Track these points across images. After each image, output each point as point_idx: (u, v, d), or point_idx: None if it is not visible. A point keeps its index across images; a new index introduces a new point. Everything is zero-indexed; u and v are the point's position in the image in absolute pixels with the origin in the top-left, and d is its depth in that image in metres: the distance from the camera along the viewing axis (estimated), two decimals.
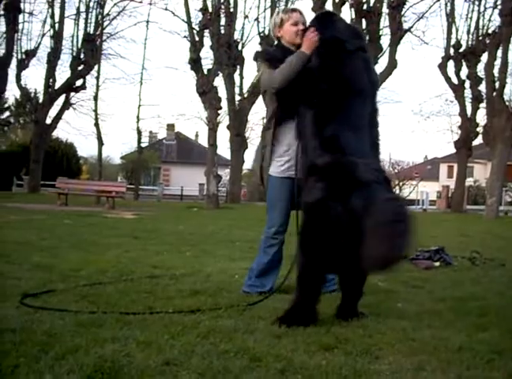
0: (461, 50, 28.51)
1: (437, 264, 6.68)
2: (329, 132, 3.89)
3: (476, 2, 28.35)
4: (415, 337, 3.45)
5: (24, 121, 49.74)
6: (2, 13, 25.05)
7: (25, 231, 9.22)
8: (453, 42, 28.73)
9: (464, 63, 28.36)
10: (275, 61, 4.40)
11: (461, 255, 7.42)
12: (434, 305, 4.39)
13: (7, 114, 51.37)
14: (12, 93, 64.84)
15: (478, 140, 30.08)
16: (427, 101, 75.85)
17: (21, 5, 26.77)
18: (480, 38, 27.90)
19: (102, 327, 3.42)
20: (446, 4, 28.74)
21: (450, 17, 28.72)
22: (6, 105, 49.48)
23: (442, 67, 28.67)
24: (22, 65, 30.23)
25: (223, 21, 25.99)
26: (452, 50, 28.65)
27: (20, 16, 27.41)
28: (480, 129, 28.42)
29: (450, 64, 28.74)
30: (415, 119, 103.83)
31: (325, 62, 4.09)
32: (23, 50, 30.06)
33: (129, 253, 7.00)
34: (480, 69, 27.29)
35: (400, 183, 64.04)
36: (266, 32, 27.83)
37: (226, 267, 5.18)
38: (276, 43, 4.82)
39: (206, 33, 25.53)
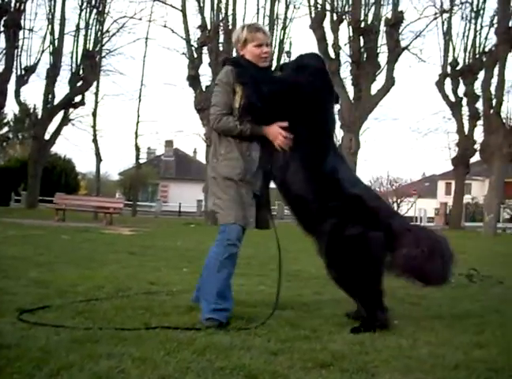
0: (458, 67, 28.66)
1: None
2: (329, 165, 4.31)
3: (473, 21, 28.57)
4: (411, 355, 3.44)
5: (22, 136, 49.85)
6: (2, 29, 25.13)
7: (22, 247, 9.20)
8: (450, 60, 28.90)
9: (461, 81, 28.50)
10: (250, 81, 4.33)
11: (459, 272, 7.38)
12: (430, 323, 4.38)
13: (6, 129, 51.49)
14: (11, 108, 65.01)
15: (475, 158, 30.11)
16: (424, 118, 76.28)
17: (21, 21, 26.86)
18: (477, 56, 28.07)
19: (97, 343, 3.40)
20: (442, 22, 29.01)
21: (447, 36, 28.91)
22: (5, 120, 49.67)
23: (440, 85, 28.80)
24: (21, 81, 30.30)
25: (221, 38, 26.13)
26: (449, 68, 28.80)
27: (20, 33, 27.52)
28: (477, 147, 28.46)
29: (447, 82, 28.88)
30: (413, 136, 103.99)
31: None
32: (22, 66, 30.16)
33: (126, 269, 6.98)
34: (477, 87, 27.40)
35: (398, 200, 64.18)
36: None
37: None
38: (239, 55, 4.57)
39: (205, 50, 25.67)
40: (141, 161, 37.31)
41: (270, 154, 4.33)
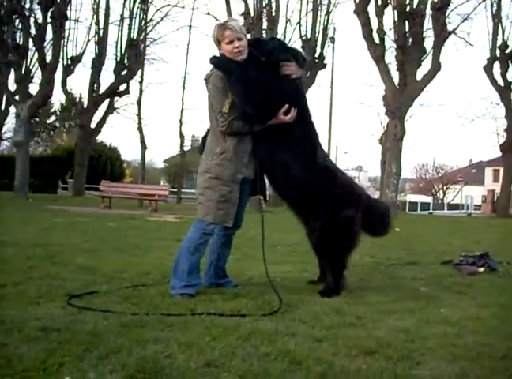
0: (507, 51, 27.95)
1: (481, 269, 6.56)
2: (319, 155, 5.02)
3: None
4: (457, 343, 3.40)
5: (69, 125, 50.83)
6: (50, 20, 25.50)
7: (69, 233, 9.40)
8: (499, 43, 28.19)
9: (510, 64, 27.80)
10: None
11: (506, 261, 7.26)
12: (477, 312, 4.31)
13: (53, 118, 52.57)
14: (58, 98, 65.90)
15: None
16: (471, 104, 74.77)
17: (68, 12, 27.19)
18: None
19: (144, 328, 3.47)
20: (491, 4, 28.20)
21: (496, 18, 28.16)
22: (52, 110, 50.69)
23: (488, 69, 28.14)
24: (68, 71, 30.75)
25: (265, 25, 26.03)
26: (498, 52, 28.10)
27: (67, 23, 27.87)
28: None
29: (496, 65, 28.20)
30: (459, 122, 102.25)
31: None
32: (69, 56, 30.63)
33: (172, 256, 6.99)
34: None
35: (444, 187, 63.23)
36: (308, 36, 27.79)
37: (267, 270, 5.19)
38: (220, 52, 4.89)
39: (248, 37, 25.58)
40: (186, 149, 37.41)
41: (267, 150, 4.82)
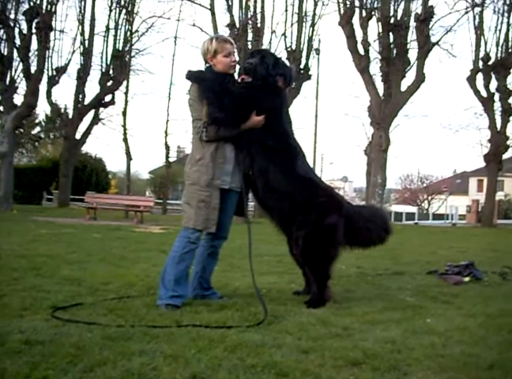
0: (490, 62, 28.21)
1: (467, 279, 6.58)
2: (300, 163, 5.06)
3: (506, 14, 28.10)
4: (444, 353, 3.40)
5: (54, 136, 50.58)
6: (34, 31, 25.44)
7: (55, 245, 9.33)
8: (481, 55, 28.45)
9: (493, 76, 28.07)
10: (207, 84, 4.78)
11: (492, 270, 7.30)
12: (463, 321, 4.32)
13: (38, 129, 52.31)
14: (42, 109, 65.72)
15: (508, 154, 29.69)
16: (455, 114, 75.52)
17: (53, 23, 27.11)
18: (510, 50, 27.62)
19: (130, 340, 3.43)
20: (474, 17, 28.48)
21: (479, 30, 28.45)
22: (37, 120, 50.44)
23: (471, 80, 28.39)
24: (53, 82, 30.60)
25: (250, 37, 26.12)
26: (481, 63, 28.37)
27: (52, 34, 27.77)
28: (510, 143, 28.04)
29: (479, 77, 28.45)
30: (443, 133, 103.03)
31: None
32: (54, 67, 30.49)
33: (157, 267, 7.01)
34: (510, 82, 27.02)
35: (429, 197, 63.55)
36: (293, 47, 27.90)
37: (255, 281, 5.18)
38: (207, 65, 4.97)
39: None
40: (171, 159, 37.28)
41: (250, 158, 4.86)
